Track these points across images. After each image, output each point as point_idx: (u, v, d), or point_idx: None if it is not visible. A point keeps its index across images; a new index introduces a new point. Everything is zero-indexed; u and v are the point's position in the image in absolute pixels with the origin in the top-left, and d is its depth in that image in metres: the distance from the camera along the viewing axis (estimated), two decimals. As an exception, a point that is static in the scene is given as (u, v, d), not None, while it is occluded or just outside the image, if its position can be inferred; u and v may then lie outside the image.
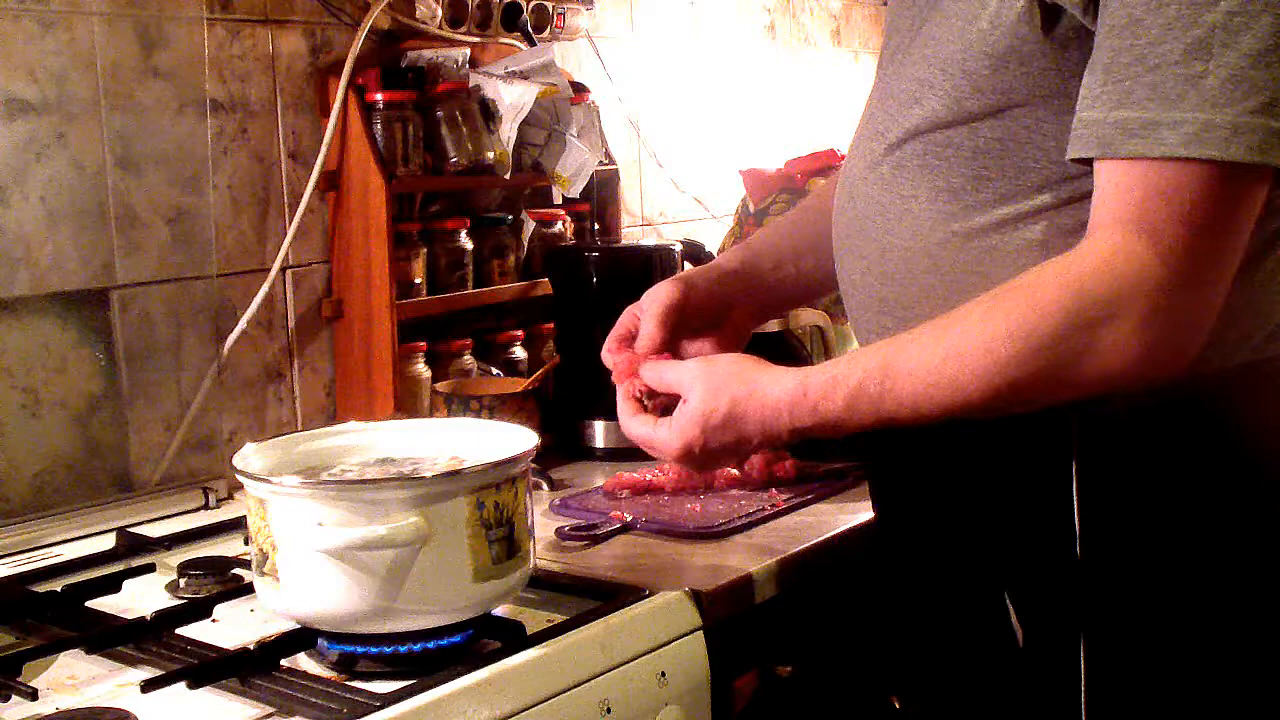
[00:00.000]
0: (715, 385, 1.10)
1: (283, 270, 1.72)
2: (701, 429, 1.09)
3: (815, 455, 1.61)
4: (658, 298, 1.24)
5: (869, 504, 1.49)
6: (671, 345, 1.23)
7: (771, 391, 1.07)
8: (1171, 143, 0.91)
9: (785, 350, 1.93)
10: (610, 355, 1.24)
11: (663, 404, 1.16)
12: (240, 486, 1.13)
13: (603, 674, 1.12)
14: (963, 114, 1.04)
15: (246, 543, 1.23)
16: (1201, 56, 0.90)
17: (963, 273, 1.05)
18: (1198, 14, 0.90)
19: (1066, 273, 0.96)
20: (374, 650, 1.11)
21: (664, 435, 1.12)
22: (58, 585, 1.31)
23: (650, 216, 2.40)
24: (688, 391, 1.11)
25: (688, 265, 1.83)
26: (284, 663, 1.11)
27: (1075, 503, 1.02)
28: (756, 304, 1.34)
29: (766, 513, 1.47)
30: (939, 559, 1.15)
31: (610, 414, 1.77)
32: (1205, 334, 0.95)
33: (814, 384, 1.05)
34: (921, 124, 1.06)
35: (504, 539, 1.10)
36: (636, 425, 1.16)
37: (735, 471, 1.56)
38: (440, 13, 1.86)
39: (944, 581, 1.15)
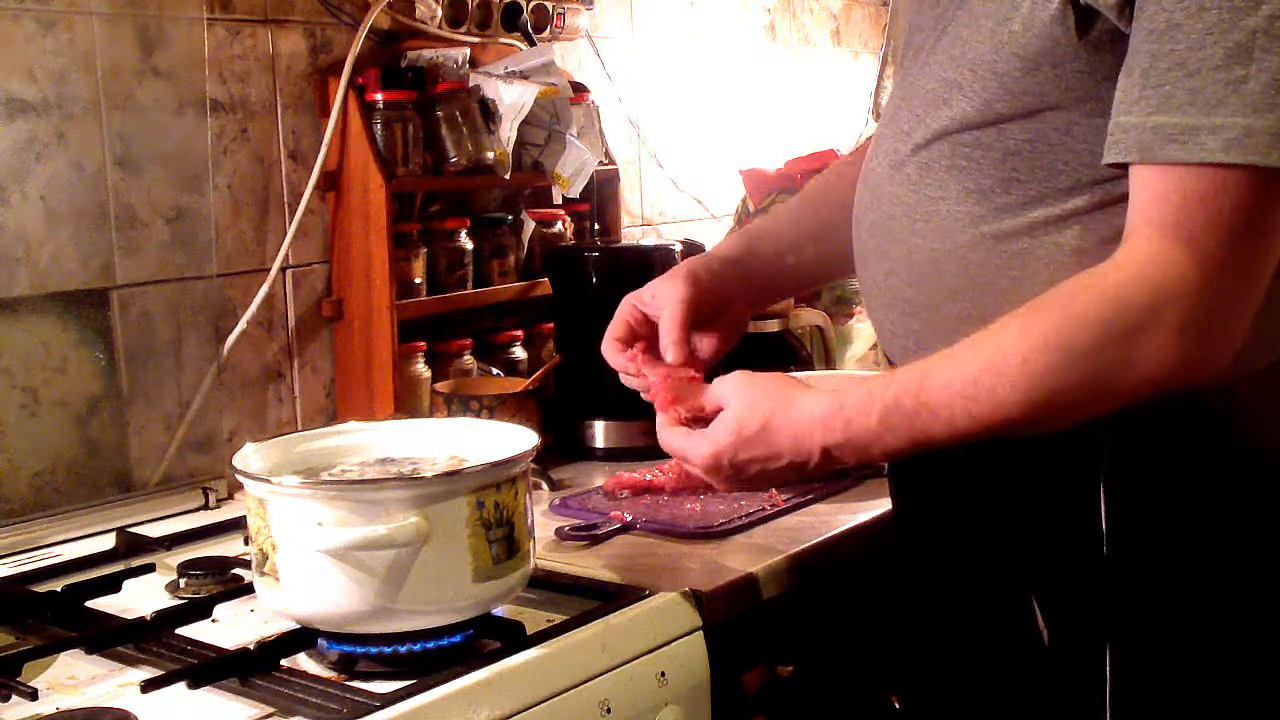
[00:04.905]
0: (754, 398, 1.08)
1: (283, 270, 1.72)
2: (734, 439, 1.08)
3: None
4: (672, 299, 1.23)
5: (869, 504, 1.49)
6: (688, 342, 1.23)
7: (807, 407, 1.06)
8: (1212, 148, 0.90)
9: (785, 350, 1.93)
10: (618, 355, 1.23)
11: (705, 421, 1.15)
12: (240, 486, 1.13)
13: (603, 674, 1.12)
14: (993, 115, 1.03)
15: (246, 543, 1.23)
16: (1242, 61, 0.89)
17: (992, 276, 1.05)
18: (1238, 18, 0.89)
19: (1104, 281, 0.95)
20: (374, 650, 1.11)
21: (695, 444, 1.11)
22: (58, 585, 1.31)
23: (650, 216, 2.40)
24: (727, 402, 1.10)
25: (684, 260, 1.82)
26: (284, 663, 1.11)
27: (1102, 502, 1.02)
28: (755, 293, 1.33)
29: (766, 513, 1.47)
30: (962, 558, 1.15)
31: (610, 414, 1.80)
32: (1241, 338, 0.95)
33: (850, 400, 1.03)
34: (950, 125, 1.06)
35: (504, 539, 1.10)
36: (670, 435, 1.14)
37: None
38: (440, 13, 1.86)
39: (968, 581, 1.15)
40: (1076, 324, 0.95)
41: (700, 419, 1.13)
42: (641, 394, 1.21)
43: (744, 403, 1.09)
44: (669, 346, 1.21)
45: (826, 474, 1.41)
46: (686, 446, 1.12)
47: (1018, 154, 1.03)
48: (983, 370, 0.97)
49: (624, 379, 1.24)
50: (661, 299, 1.24)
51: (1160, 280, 0.93)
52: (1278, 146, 0.89)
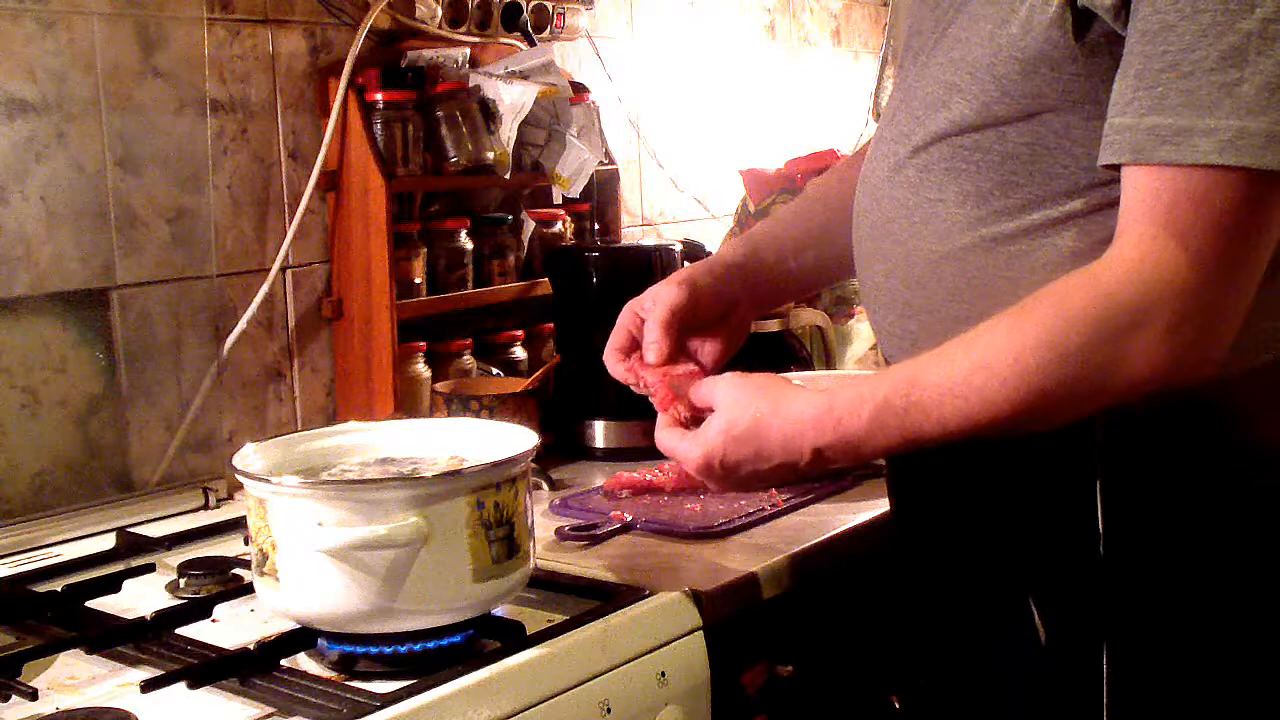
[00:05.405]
0: (743, 400, 1.09)
1: (283, 270, 1.72)
2: (723, 441, 1.08)
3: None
4: (662, 302, 1.23)
5: (869, 504, 1.49)
6: (677, 345, 1.23)
7: (796, 407, 1.06)
8: (1205, 150, 0.90)
9: (785, 350, 1.93)
10: (619, 365, 1.23)
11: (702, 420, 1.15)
12: (240, 486, 1.13)
13: (603, 674, 1.12)
14: (991, 118, 1.03)
15: (246, 543, 1.23)
16: (1236, 64, 0.89)
17: (991, 278, 1.05)
18: (1232, 21, 0.89)
19: (1095, 280, 0.95)
20: (374, 650, 1.11)
21: (687, 447, 1.11)
22: (58, 585, 1.31)
23: (650, 216, 2.40)
24: (717, 404, 1.11)
25: (687, 265, 1.82)
26: (284, 663, 1.11)
27: (1098, 502, 1.02)
28: (758, 297, 1.33)
29: (766, 513, 1.47)
30: (960, 558, 1.15)
31: (610, 414, 1.80)
32: (1231, 338, 0.95)
33: (840, 401, 1.03)
34: (949, 128, 1.06)
35: (504, 539, 1.10)
36: (665, 436, 1.15)
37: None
38: (440, 13, 1.86)
39: (965, 581, 1.15)
40: (1067, 323, 0.95)
41: (700, 417, 1.13)
42: (650, 400, 1.21)
43: (733, 404, 1.09)
44: (649, 346, 1.21)
45: (820, 472, 1.42)
46: (679, 449, 1.12)
47: (1016, 157, 1.03)
48: (973, 369, 0.97)
49: (634, 389, 1.24)
50: (654, 305, 1.24)
51: (1152, 279, 0.93)
52: (1271, 149, 0.89)
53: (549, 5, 2.04)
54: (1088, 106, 0.99)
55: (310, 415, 1.77)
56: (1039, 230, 1.03)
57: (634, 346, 1.25)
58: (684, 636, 1.20)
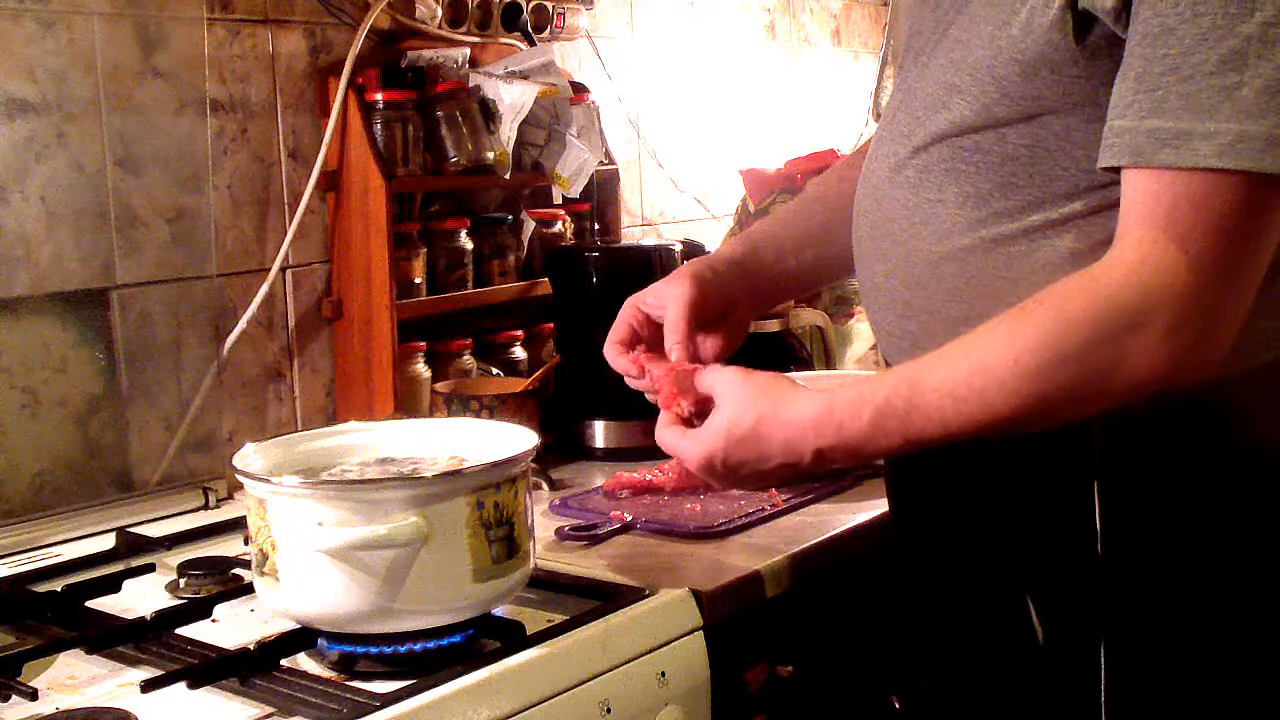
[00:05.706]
0: (745, 400, 1.08)
1: (283, 270, 1.72)
2: (724, 442, 1.08)
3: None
4: (675, 300, 1.23)
5: (869, 504, 1.49)
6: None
7: (798, 409, 1.06)
8: (1205, 153, 0.90)
9: (785, 350, 1.93)
10: (620, 357, 1.23)
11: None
12: (240, 486, 1.13)
13: (603, 674, 1.12)
14: (991, 120, 1.03)
15: (246, 543, 1.23)
16: (1236, 67, 0.89)
17: (990, 279, 1.05)
18: (1233, 25, 0.89)
19: (1094, 283, 0.95)
20: (374, 650, 1.11)
21: (688, 445, 1.11)
22: (58, 585, 1.31)
23: (650, 216, 2.40)
24: (719, 402, 1.11)
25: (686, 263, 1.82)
26: (284, 663, 1.11)
27: (1096, 502, 1.02)
28: (758, 296, 1.33)
29: (766, 513, 1.47)
30: (958, 558, 1.15)
31: (610, 414, 1.80)
32: (1231, 340, 0.95)
33: (840, 403, 1.03)
34: (949, 129, 1.06)
35: (504, 539, 1.10)
36: (667, 434, 1.15)
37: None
38: (440, 13, 1.86)
39: (964, 581, 1.15)
40: (1067, 325, 0.95)
41: (703, 411, 1.13)
42: (646, 396, 1.21)
43: (735, 404, 1.09)
44: (674, 347, 1.21)
45: (821, 472, 1.42)
46: (680, 446, 1.12)
47: (1016, 159, 1.03)
48: (973, 371, 0.97)
49: (629, 381, 1.24)
50: (664, 300, 1.24)
51: (1151, 282, 0.93)
52: (1270, 152, 0.89)
53: (549, 5, 2.04)
54: (1088, 109, 0.99)
55: (310, 415, 1.77)
56: (1038, 232, 1.03)
57: (635, 340, 1.25)
58: (684, 636, 1.21)
